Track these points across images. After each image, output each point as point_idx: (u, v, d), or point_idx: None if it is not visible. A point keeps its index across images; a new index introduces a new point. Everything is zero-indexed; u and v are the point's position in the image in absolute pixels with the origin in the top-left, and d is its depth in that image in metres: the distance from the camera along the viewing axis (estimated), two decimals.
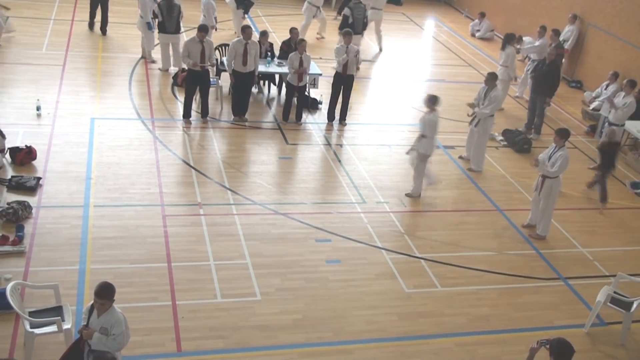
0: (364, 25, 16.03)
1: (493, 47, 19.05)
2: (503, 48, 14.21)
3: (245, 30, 11.82)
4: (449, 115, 13.84)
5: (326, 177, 10.88)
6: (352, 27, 15.02)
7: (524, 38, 16.36)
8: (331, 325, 7.58)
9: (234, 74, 12.04)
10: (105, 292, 5.50)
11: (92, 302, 5.66)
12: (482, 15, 20.25)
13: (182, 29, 14.29)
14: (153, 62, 14.49)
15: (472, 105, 11.47)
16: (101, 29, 15.93)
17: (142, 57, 14.66)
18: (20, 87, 12.49)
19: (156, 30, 14.04)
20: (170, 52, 14.10)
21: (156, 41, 14.49)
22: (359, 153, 11.79)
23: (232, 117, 12.41)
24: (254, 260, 8.50)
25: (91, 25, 16.08)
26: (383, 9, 17.59)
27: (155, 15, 13.82)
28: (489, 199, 10.85)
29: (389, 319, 7.79)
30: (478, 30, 20.29)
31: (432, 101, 10.14)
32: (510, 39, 14.23)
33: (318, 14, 17.40)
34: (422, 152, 10.23)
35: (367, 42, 17.90)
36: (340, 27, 15.70)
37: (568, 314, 8.34)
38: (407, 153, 10.64)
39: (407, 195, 10.55)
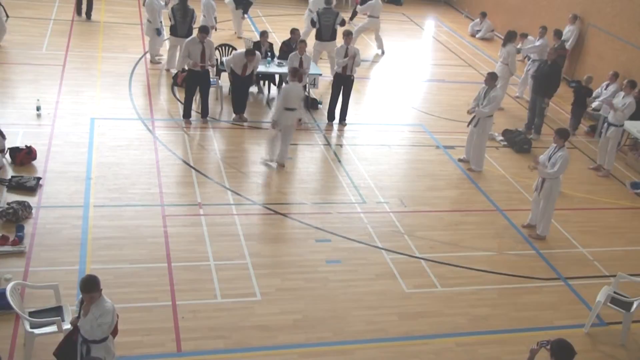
0: (335, 32, 14.88)
1: (493, 47, 19.06)
2: (504, 45, 14.23)
3: (248, 56, 11.80)
4: (449, 115, 13.86)
5: (326, 177, 10.88)
6: (319, 34, 14.72)
7: (528, 37, 16.35)
8: (331, 325, 7.58)
9: (233, 75, 12.06)
10: (90, 286, 5.52)
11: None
12: (484, 15, 20.22)
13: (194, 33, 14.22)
14: (158, 62, 14.50)
15: (470, 112, 11.48)
16: (86, 13, 16.49)
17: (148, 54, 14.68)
18: (20, 87, 12.50)
19: (166, 31, 14.07)
20: (177, 54, 14.08)
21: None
22: (359, 153, 11.79)
23: (233, 115, 12.42)
24: (254, 260, 8.50)
25: (79, 11, 16.61)
26: (380, 16, 17.22)
27: (169, 19, 13.77)
28: (489, 199, 10.85)
29: (389, 319, 7.79)
30: (478, 31, 20.27)
31: (293, 73, 10.80)
32: (512, 37, 14.25)
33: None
34: (289, 123, 10.74)
35: (368, 44, 17.92)
36: (313, 25, 15.20)
37: (568, 314, 8.33)
38: (273, 127, 10.80)
39: (273, 162, 10.87)
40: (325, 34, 14.74)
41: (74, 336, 5.78)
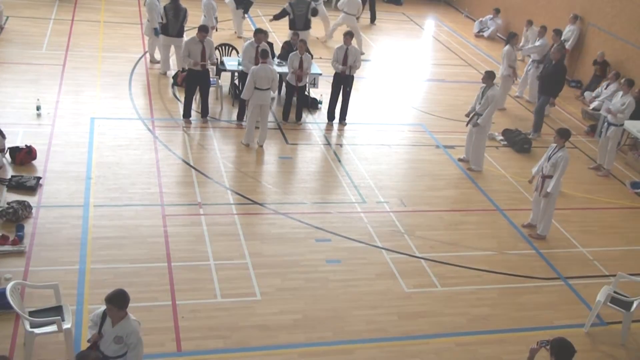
0: (309, 22, 15.40)
1: (494, 47, 19.08)
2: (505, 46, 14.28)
3: (257, 35, 11.90)
4: (449, 115, 13.86)
5: (326, 177, 10.88)
6: (294, 24, 15.04)
7: (532, 25, 16.33)
8: (331, 325, 7.58)
9: (244, 74, 11.98)
10: (123, 300, 5.48)
11: (102, 309, 5.66)
12: (497, 12, 20.00)
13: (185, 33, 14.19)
14: (157, 62, 14.50)
15: (469, 114, 11.51)
16: None
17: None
18: (20, 87, 12.49)
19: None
20: (172, 54, 14.05)
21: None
22: (359, 153, 11.79)
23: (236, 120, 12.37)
24: (254, 260, 8.50)
25: None
26: (356, 15, 17.15)
27: (160, 18, 13.75)
28: (489, 199, 10.85)
29: (389, 319, 7.79)
30: (484, 29, 20.08)
31: (263, 55, 11.22)
32: (511, 38, 14.24)
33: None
34: (262, 103, 11.32)
35: (368, 43, 17.92)
36: (276, 17, 15.51)
37: (568, 314, 8.34)
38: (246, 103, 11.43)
39: (242, 142, 11.47)
40: (299, 23, 15.15)
41: (93, 349, 5.65)
